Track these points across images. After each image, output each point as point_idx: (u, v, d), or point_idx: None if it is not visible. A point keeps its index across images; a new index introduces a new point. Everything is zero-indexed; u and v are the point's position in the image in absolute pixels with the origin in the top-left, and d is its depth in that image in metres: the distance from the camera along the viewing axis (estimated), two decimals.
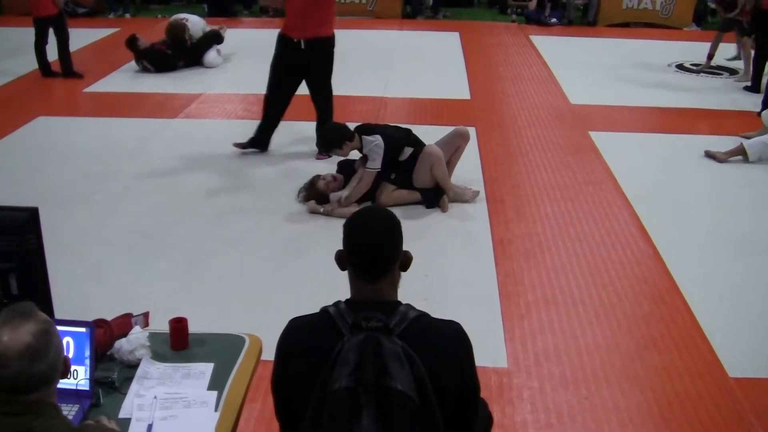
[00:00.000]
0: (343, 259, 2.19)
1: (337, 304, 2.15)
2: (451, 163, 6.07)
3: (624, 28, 14.27)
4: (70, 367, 2.05)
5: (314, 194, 5.92)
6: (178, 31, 10.32)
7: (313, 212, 5.82)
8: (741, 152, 6.92)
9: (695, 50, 11.33)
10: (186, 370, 2.61)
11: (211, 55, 10.56)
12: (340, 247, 2.20)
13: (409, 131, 6.06)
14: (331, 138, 5.92)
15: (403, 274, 2.21)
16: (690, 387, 3.90)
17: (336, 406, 1.96)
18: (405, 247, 2.20)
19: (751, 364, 4.12)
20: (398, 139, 5.90)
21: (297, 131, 7.68)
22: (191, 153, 7.16)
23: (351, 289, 2.19)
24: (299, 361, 2.13)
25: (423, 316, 2.13)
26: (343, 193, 5.82)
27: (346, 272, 2.20)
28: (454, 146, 6.10)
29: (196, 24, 10.67)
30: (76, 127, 8.03)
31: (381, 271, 2.13)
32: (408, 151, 5.89)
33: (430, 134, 6.42)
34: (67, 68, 9.79)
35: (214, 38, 10.71)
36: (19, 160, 6.96)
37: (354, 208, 5.65)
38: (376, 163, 5.77)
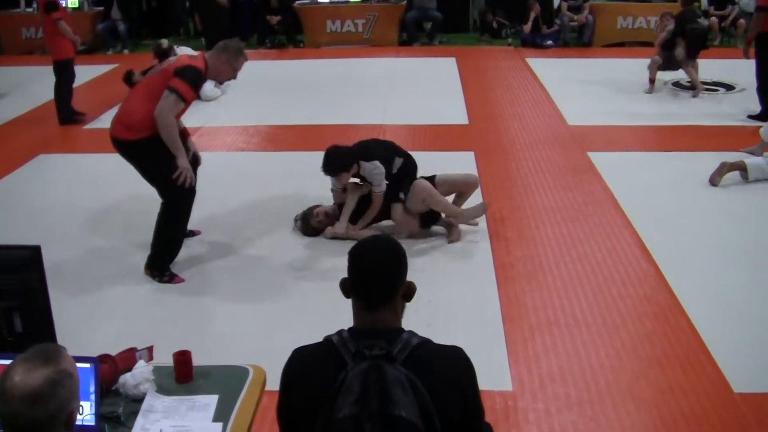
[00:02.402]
0: (347, 287, 2.21)
1: (340, 332, 2.16)
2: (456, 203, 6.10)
3: (619, 48, 14.35)
4: (74, 423, 2.01)
5: (310, 230, 6.00)
6: (163, 51, 10.14)
7: (334, 237, 5.88)
8: (741, 168, 6.92)
9: None
10: (191, 402, 2.62)
11: (207, 88, 10.55)
12: (341, 275, 2.22)
13: (392, 143, 6.11)
14: (342, 162, 5.73)
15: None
16: (695, 404, 3.90)
17: None
18: (408, 274, 2.23)
19: (756, 379, 4.11)
20: (389, 154, 5.92)
21: (295, 161, 7.73)
22: None
23: (354, 318, 2.21)
24: (303, 391, 2.14)
25: (425, 342, 2.14)
26: (341, 225, 5.88)
27: (348, 300, 2.22)
28: (456, 189, 6.11)
29: (183, 52, 10.47)
30: (76, 163, 8.08)
31: (383, 301, 2.15)
32: (398, 161, 5.91)
33: (430, 160, 6.46)
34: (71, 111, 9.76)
35: None
36: (21, 198, 7.00)
37: (371, 232, 5.71)
38: (381, 186, 5.81)
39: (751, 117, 9.00)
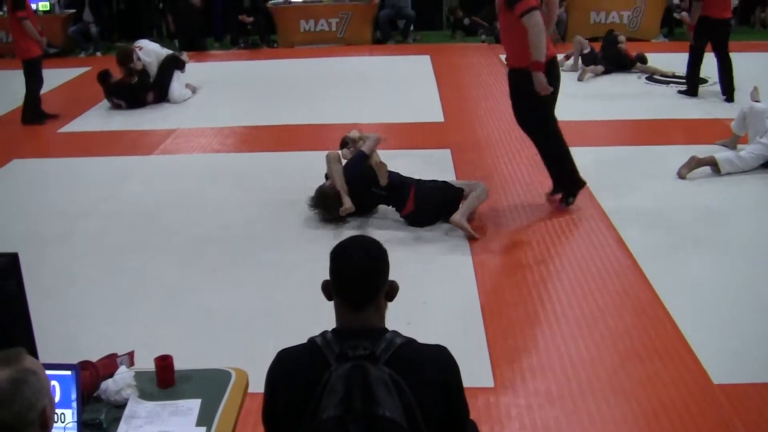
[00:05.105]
0: (329, 289, 2.21)
1: (324, 334, 2.16)
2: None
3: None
4: (49, 422, 1.96)
5: (328, 201, 6.04)
6: (125, 56, 10.11)
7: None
8: (712, 163, 6.98)
9: (664, 61, 11.46)
10: (173, 407, 2.61)
11: (176, 92, 10.42)
12: (324, 276, 2.22)
13: None
14: None
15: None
16: (675, 396, 3.93)
17: None
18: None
19: (734, 370, 4.15)
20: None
21: (271, 161, 7.72)
22: (170, 188, 7.16)
23: (336, 319, 2.21)
24: (288, 392, 2.14)
25: (409, 342, 2.15)
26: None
27: (330, 302, 2.23)
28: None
29: (150, 53, 10.40)
30: (51, 168, 8.01)
31: (366, 301, 2.15)
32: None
33: (406, 158, 6.47)
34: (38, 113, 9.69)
35: (173, 62, 10.55)
36: None
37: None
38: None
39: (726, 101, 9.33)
